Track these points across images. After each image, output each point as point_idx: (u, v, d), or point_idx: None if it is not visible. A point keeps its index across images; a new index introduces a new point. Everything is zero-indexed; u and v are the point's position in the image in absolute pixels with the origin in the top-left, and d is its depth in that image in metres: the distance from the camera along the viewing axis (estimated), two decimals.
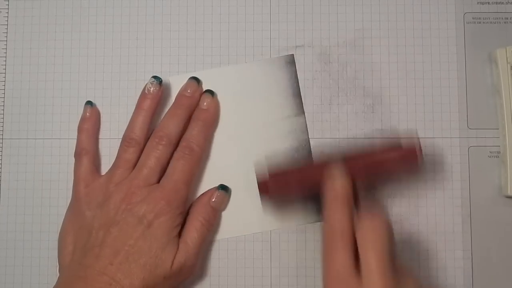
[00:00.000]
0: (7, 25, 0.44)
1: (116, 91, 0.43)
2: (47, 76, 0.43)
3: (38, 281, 0.42)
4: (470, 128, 0.42)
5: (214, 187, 0.41)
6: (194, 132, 0.40)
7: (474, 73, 0.42)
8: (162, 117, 0.41)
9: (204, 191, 0.41)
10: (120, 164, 0.40)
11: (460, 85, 0.42)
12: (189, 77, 0.42)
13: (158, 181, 0.39)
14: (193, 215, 0.40)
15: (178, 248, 0.38)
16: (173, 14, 0.43)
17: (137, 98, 0.41)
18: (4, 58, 0.44)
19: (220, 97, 0.42)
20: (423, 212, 0.41)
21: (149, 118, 0.41)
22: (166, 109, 0.41)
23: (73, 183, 0.41)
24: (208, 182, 0.42)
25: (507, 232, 0.41)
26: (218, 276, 0.41)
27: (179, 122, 0.40)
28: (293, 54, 0.43)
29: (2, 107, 0.43)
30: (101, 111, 0.43)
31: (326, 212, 0.36)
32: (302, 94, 0.42)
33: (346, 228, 0.34)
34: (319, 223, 0.41)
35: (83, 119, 0.42)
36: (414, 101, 0.42)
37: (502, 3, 0.43)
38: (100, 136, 0.43)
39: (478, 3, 0.43)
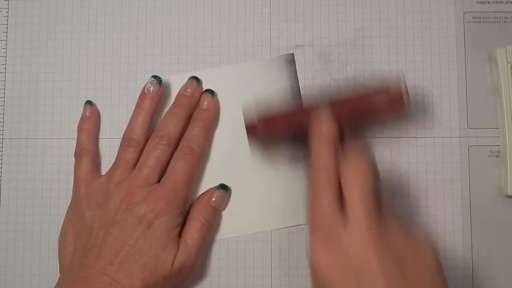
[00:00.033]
0: (7, 25, 0.44)
1: (116, 91, 0.43)
2: (47, 76, 0.43)
3: (38, 281, 0.42)
4: (470, 128, 0.42)
5: (214, 187, 0.41)
6: (194, 132, 0.40)
7: (474, 73, 0.42)
8: (162, 116, 0.41)
9: (204, 191, 0.41)
10: (120, 164, 0.40)
11: (460, 84, 0.42)
12: (189, 76, 0.42)
13: (158, 181, 0.39)
14: (193, 214, 0.40)
15: (178, 248, 0.38)
16: (173, 14, 0.43)
17: (137, 97, 0.41)
18: (4, 58, 0.44)
19: (220, 96, 0.42)
20: (423, 212, 0.41)
21: (149, 117, 0.41)
22: (166, 109, 0.41)
23: (73, 183, 0.41)
24: (208, 182, 0.42)
25: (507, 232, 0.41)
26: (218, 276, 0.41)
27: (179, 122, 0.40)
28: (293, 53, 0.43)
29: (2, 107, 0.43)
30: (101, 111, 0.43)
31: (312, 153, 0.36)
32: (302, 93, 0.42)
33: (331, 168, 0.34)
34: None
35: (83, 119, 0.42)
36: (414, 101, 0.42)
37: (502, 2, 0.43)
38: (100, 136, 0.43)
39: (478, 2, 0.43)
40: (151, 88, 0.41)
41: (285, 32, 0.43)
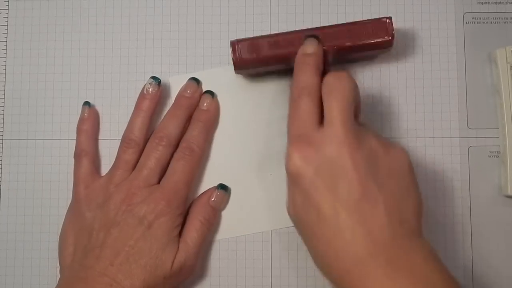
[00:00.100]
0: (7, 25, 0.44)
1: (116, 91, 0.43)
2: (47, 76, 0.43)
3: (38, 282, 0.42)
4: (470, 128, 0.42)
5: (214, 187, 0.41)
6: (194, 133, 0.40)
7: (474, 73, 0.42)
8: (162, 117, 0.41)
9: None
10: (120, 165, 0.40)
11: (460, 85, 0.42)
12: (189, 77, 0.42)
13: (158, 182, 0.39)
14: (193, 214, 0.40)
15: (178, 248, 0.38)
16: (173, 14, 0.43)
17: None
18: (4, 58, 0.44)
19: (220, 97, 0.42)
20: (423, 212, 0.41)
21: (148, 118, 0.40)
22: (166, 110, 0.41)
23: (73, 185, 0.41)
24: (208, 182, 0.42)
25: (507, 232, 0.41)
26: (218, 276, 0.41)
27: (179, 123, 0.40)
28: None
29: (2, 107, 0.43)
30: (101, 111, 0.43)
31: (295, 75, 0.36)
32: None
33: (312, 86, 0.35)
34: None
35: (81, 120, 0.42)
36: (414, 101, 0.42)
37: (502, 3, 0.43)
38: (100, 136, 0.43)
39: (477, 3, 0.43)
40: (150, 89, 0.41)
41: None
